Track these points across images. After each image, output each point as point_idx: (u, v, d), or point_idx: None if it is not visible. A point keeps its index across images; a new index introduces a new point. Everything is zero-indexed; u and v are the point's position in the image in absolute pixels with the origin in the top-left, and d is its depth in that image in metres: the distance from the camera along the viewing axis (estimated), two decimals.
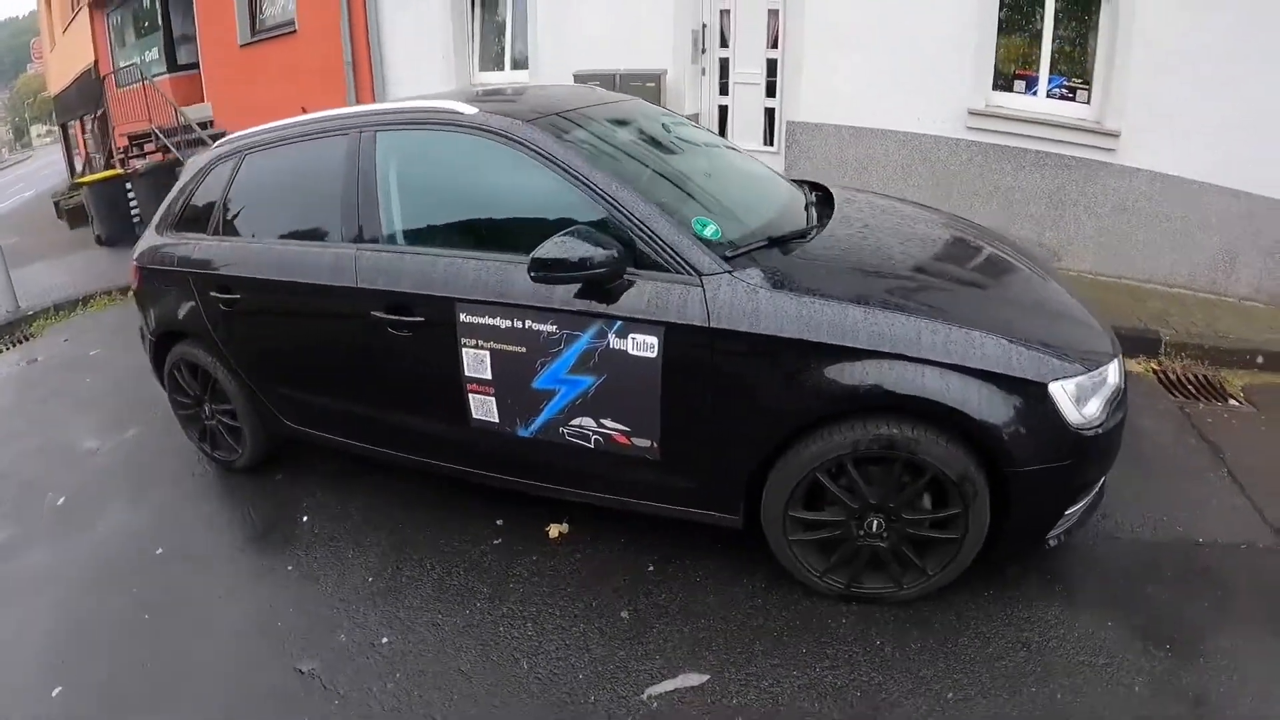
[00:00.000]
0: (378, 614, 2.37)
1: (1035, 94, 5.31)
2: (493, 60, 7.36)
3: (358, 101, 7.38)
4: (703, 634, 2.21)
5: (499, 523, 2.75)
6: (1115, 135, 4.91)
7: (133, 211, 7.78)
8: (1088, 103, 5.15)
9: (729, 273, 2.09)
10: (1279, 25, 4.33)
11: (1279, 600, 2.27)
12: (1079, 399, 2.03)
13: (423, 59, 7.12)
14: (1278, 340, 4.30)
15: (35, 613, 2.58)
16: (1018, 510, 2.07)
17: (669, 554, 2.53)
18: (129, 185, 7.72)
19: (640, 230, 2.14)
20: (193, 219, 3.09)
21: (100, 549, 2.88)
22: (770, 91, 6.19)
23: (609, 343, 2.15)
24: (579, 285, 2.12)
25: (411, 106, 2.57)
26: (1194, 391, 3.87)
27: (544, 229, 2.21)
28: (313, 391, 2.87)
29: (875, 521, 2.14)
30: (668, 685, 2.04)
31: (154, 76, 8.07)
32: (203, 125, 7.83)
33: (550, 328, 2.20)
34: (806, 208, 2.79)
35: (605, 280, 2.08)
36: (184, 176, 3.22)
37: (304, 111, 3.20)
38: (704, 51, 6.36)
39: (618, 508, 2.45)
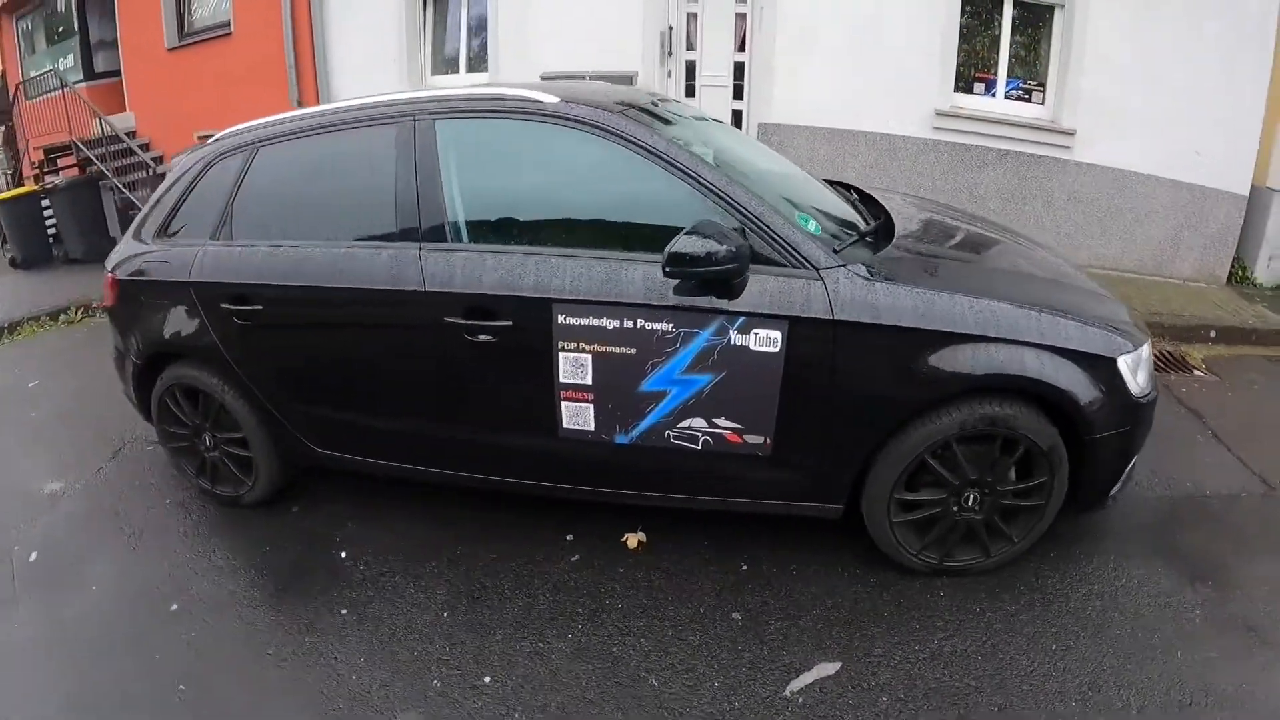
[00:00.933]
0: (467, 651, 2.14)
1: (994, 95, 5.58)
2: (446, 63, 7.08)
3: (301, 105, 6.95)
4: (818, 625, 2.20)
5: (569, 538, 2.59)
6: (1071, 134, 5.21)
7: (50, 230, 7.00)
8: (1042, 104, 5.45)
9: (843, 266, 2.08)
10: (1213, 31, 4.73)
11: None
12: (1134, 371, 2.17)
13: (372, 62, 6.76)
14: (1226, 316, 4.68)
15: (36, 693, 2.10)
16: (1089, 473, 2.22)
17: (756, 554, 2.47)
18: (46, 202, 6.94)
19: (756, 225, 2.08)
20: (189, 223, 2.69)
21: (100, 609, 2.41)
22: (738, 94, 6.23)
23: (729, 339, 2.08)
24: (698, 281, 2.04)
25: (476, 94, 2.39)
26: (1162, 365, 4.16)
27: (649, 225, 2.17)
28: (355, 411, 2.56)
29: (971, 496, 2.22)
30: (806, 679, 2.02)
31: (70, 85, 7.27)
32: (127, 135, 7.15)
33: (665, 326, 2.09)
34: (854, 205, 2.81)
35: (733, 275, 2.00)
36: (172, 176, 2.82)
37: (301, 105, 2.93)
38: (670, 54, 6.34)
39: (714, 509, 2.37)
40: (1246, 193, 4.99)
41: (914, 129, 5.58)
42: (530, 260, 2.17)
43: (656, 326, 2.09)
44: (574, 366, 2.17)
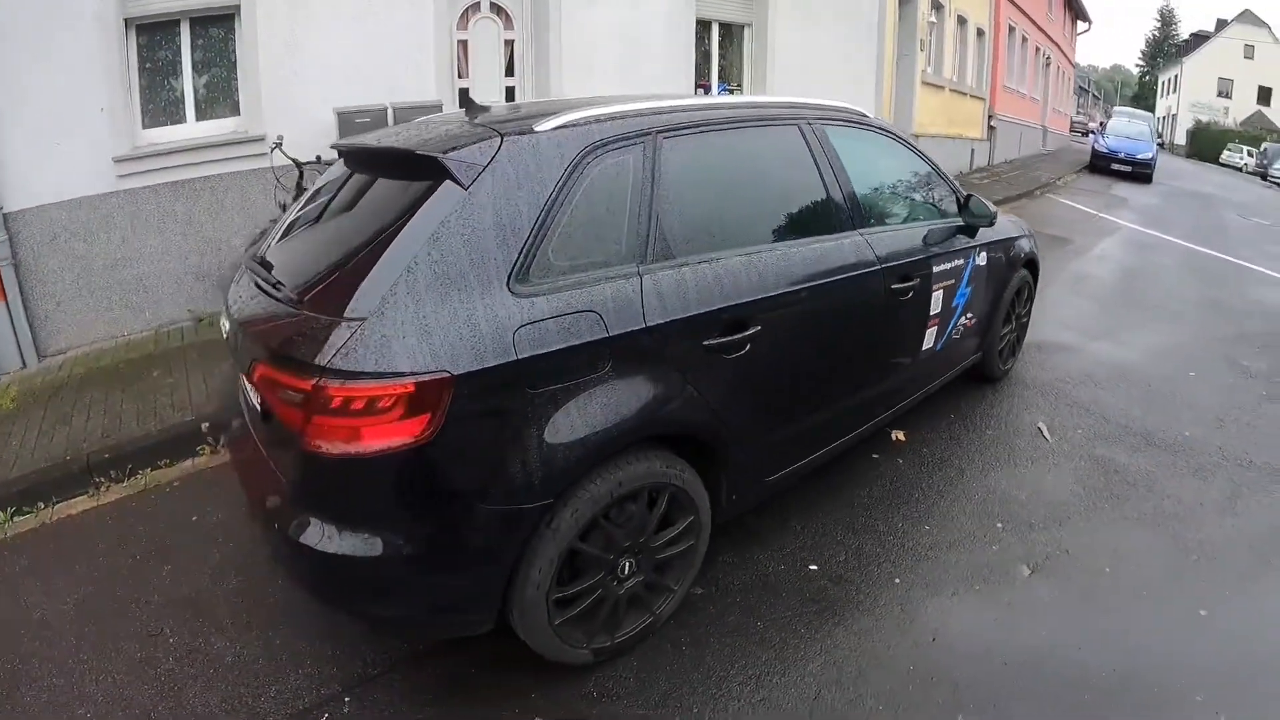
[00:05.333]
0: (985, 531, 2.76)
1: (709, 95, 7.34)
2: (162, 111, 5.61)
3: None
4: (1012, 410, 3.85)
5: (875, 456, 3.26)
6: None
7: None
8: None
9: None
10: (848, 35, 7.26)
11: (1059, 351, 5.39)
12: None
13: (68, 118, 4.94)
14: None
15: None
16: (1032, 296, 4.19)
17: (945, 409, 3.76)
18: None
19: (963, 196, 3.31)
20: (578, 248, 1.87)
21: None
22: None
23: (975, 262, 3.33)
24: (967, 229, 3.23)
25: (830, 105, 2.82)
26: None
27: (930, 199, 3.20)
28: (820, 408, 2.56)
29: (1015, 320, 4.01)
30: (1044, 427, 3.65)
31: None
32: None
33: (960, 261, 3.20)
34: None
35: None
36: (495, 182, 1.77)
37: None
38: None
39: (946, 383, 3.55)
40: None
41: None
42: (917, 232, 2.97)
43: (959, 262, 3.19)
44: (937, 301, 3.06)
